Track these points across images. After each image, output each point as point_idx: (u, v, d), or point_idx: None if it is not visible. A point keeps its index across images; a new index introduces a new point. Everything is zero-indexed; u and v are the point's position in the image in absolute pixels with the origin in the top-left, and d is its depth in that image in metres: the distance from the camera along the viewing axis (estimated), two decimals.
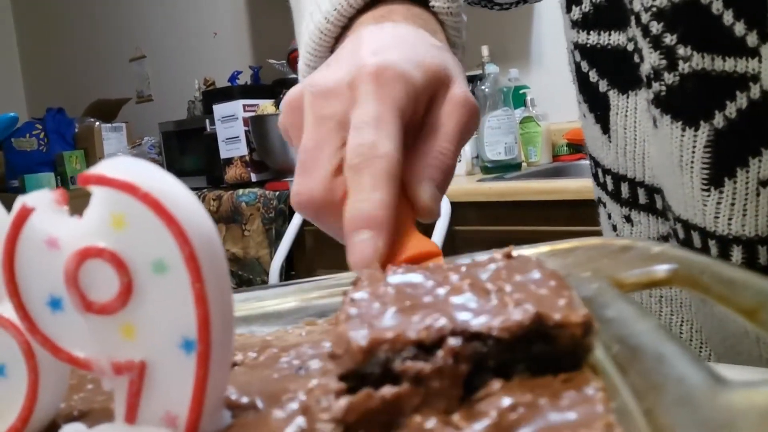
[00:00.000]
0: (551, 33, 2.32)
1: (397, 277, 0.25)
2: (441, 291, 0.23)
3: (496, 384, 0.19)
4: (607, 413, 0.18)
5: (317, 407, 0.20)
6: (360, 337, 0.20)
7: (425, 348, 0.20)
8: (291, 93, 0.39)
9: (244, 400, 0.24)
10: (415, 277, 0.25)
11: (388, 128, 0.34)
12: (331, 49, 0.45)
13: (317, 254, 2.16)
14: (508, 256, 0.25)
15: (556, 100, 2.27)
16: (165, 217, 0.21)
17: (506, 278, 0.23)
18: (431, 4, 0.44)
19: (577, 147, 2.20)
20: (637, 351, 0.19)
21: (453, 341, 0.19)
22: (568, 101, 2.26)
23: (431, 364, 0.19)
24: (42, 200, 0.22)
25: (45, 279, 0.22)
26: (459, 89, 0.37)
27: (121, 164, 0.22)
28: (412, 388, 0.19)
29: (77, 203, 0.22)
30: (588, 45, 0.48)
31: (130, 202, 0.21)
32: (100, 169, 0.21)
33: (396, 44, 0.37)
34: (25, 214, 0.22)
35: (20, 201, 0.22)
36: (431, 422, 0.18)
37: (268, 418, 0.22)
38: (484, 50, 2.23)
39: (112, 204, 0.21)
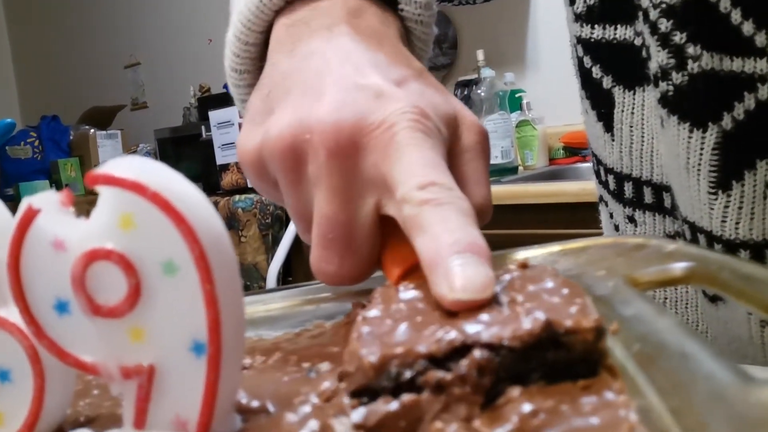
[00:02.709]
0: (547, 37, 2.33)
1: (409, 293, 0.25)
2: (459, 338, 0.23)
3: (515, 391, 0.19)
4: (629, 416, 0.17)
5: (334, 422, 0.20)
6: (371, 353, 0.20)
7: (437, 361, 0.20)
8: (247, 150, 0.33)
9: (255, 404, 0.23)
10: (428, 292, 0.24)
11: (451, 177, 0.29)
12: (269, 27, 0.38)
13: None
14: (523, 267, 0.25)
15: (552, 103, 2.28)
16: (174, 216, 0.20)
17: (519, 288, 0.23)
18: (400, 7, 0.38)
19: (573, 150, 2.20)
20: (659, 349, 0.19)
21: (478, 353, 0.19)
22: (564, 104, 2.27)
23: (453, 372, 0.19)
24: (48, 201, 0.22)
25: (51, 282, 0.22)
26: (468, 131, 0.33)
27: (129, 163, 0.21)
28: (432, 395, 0.19)
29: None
30: (592, 39, 0.47)
31: (138, 201, 0.21)
32: (108, 168, 0.21)
33: (405, 77, 0.32)
34: (31, 215, 0.22)
35: (26, 202, 0.22)
36: (452, 428, 0.18)
37: (281, 421, 0.22)
38: (480, 54, 2.23)
39: (120, 204, 0.21)
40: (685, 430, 0.15)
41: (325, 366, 0.26)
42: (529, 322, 0.20)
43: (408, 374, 0.19)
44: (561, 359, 0.20)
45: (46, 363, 0.23)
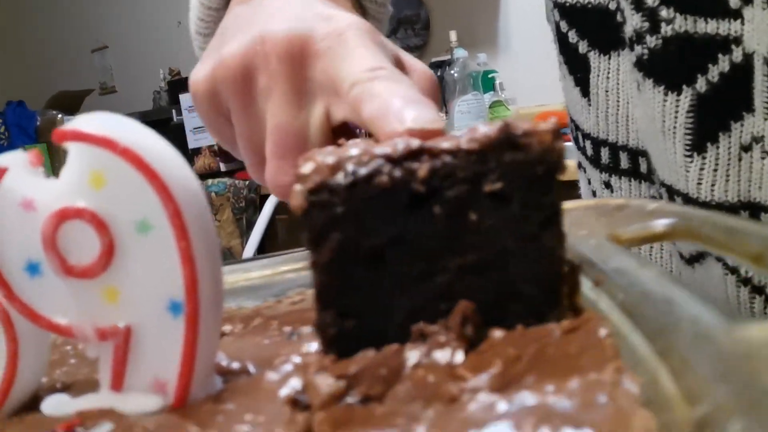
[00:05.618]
0: (519, 17, 2.33)
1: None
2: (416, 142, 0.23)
3: (497, 333, 0.19)
4: (616, 357, 0.17)
5: (316, 377, 0.19)
6: (327, 157, 0.20)
7: (393, 161, 0.20)
8: (199, 80, 0.33)
9: (235, 365, 0.23)
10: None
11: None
12: None
13: (289, 244, 2.14)
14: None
15: (524, 84, 2.28)
16: (147, 172, 0.20)
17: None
18: None
19: None
20: (644, 297, 0.19)
21: (438, 162, 0.19)
22: (537, 85, 2.28)
23: (439, 325, 0.19)
24: (16, 161, 0.21)
25: (22, 243, 0.21)
26: (418, 78, 0.33)
27: (99, 119, 0.21)
28: (414, 343, 0.18)
29: None
30: (567, 4, 0.47)
31: (108, 158, 0.20)
32: (77, 124, 0.20)
33: (354, 16, 0.33)
34: None
35: None
36: (435, 374, 0.18)
37: (261, 381, 0.21)
38: (453, 35, 2.22)
39: (90, 161, 0.20)
40: (669, 370, 0.15)
41: (306, 329, 0.26)
42: (486, 128, 0.20)
43: (364, 171, 0.19)
44: (519, 160, 0.20)
45: (19, 327, 0.22)
